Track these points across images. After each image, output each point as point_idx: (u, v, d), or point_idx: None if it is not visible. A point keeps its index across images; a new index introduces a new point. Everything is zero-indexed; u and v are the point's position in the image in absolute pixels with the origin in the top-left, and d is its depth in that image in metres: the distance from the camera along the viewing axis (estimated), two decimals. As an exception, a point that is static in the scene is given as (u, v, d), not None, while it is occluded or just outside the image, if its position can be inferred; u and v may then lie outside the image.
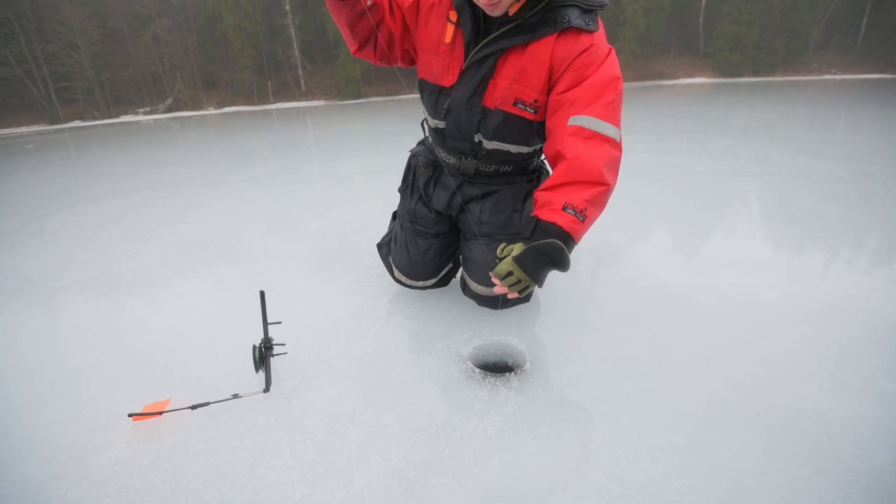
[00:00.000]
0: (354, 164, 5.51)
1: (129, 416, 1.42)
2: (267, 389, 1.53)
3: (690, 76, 25.80)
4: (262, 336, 1.64)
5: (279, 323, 1.67)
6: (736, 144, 5.68)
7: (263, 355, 1.60)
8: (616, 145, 1.47)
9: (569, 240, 1.43)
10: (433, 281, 2.07)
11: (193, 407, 1.45)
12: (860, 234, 2.69)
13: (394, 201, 2.25)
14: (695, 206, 3.35)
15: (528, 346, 1.73)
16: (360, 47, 1.70)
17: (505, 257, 1.48)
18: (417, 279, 2.04)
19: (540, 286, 1.48)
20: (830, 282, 2.14)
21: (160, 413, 1.44)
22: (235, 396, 1.51)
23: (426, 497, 1.15)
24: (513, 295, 1.47)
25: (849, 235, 2.67)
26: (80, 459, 1.30)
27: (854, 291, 2.03)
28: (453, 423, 1.38)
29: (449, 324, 1.88)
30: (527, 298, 1.97)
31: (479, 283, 1.90)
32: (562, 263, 1.41)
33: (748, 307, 1.93)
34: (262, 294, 1.64)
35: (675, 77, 25.76)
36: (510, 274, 1.43)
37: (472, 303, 2.00)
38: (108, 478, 1.25)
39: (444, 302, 2.03)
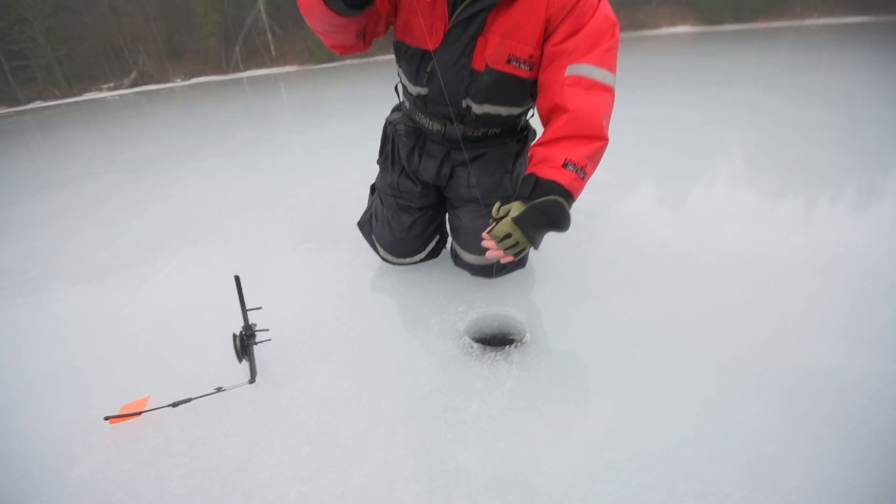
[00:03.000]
0: (332, 133, 5.27)
1: (106, 419, 1.31)
2: (252, 380, 1.44)
3: (673, 24, 25.20)
4: (243, 323, 1.53)
5: (259, 308, 1.56)
6: (724, 93, 5.54)
7: (245, 344, 1.49)
8: (613, 94, 1.37)
9: (569, 198, 1.33)
10: (421, 256, 1.96)
11: (175, 404, 1.35)
12: (856, 179, 2.62)
13: (372, 166, 2.10)
14: (688, 159, 3.25)
15: (527, 316, 1.65)
16: (348, 51, 1.52)
17: (502, 217, 1.37)
18: (404, 256, 1.93)
19: (536, 248, 1.38)
20: (832, 231, 2.08)
21: (139, 413, 1.34)
22: (219, 390, 1.41)
23: (432, 487, 1.08)
24: (507, 259, 1.38)
25: (845, 182, 2.60)
26: (58, 471, 1.21)
27: (856, 239, 1.98)
28: (454, 404, 1.30)
29: (442, 297, 1.78)
30: (522, 263, 1.87)
31: (471, 251, 1.80)
32: (562, 223, 1.31)
33: (753, 262, 1.87)
34: (238, 279, 1.52)
35: (658, 26, 25.16)
36: (508, 236, 1.34)
37: (465, 273, 1.90)
38: (88, 488, 1.15)
39: (436, 274, 1.93)
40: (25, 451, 1.29)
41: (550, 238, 2.03)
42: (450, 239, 2.06)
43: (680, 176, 2.92)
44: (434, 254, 2.01)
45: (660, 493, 1.03)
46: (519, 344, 1.51)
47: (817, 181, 2.64)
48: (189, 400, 1.36)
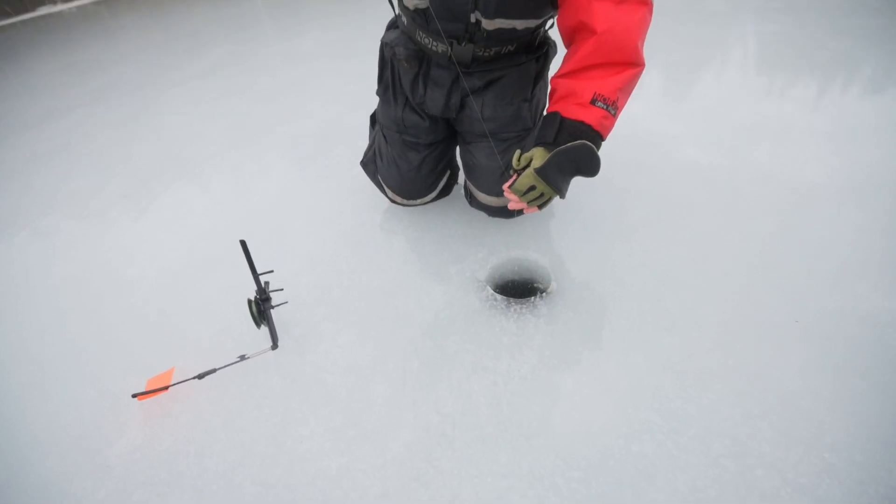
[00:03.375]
0: (315, 41, 4.78)
1: (134, 396, 1.30)
2: (275, 346, 1.41)
3: None
4: (256, 288, 1.47)
5: (271, 272, 1.48)
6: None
7: (262, 309, 1.44)
8: (651, 8, 1.16)
9: (598, 139, 1.19)
10: (432, 195, 1.83)
11: (200, 376, 1.33)
12: (902, 77, 2.39)
13: (367, 84, 1.89)
14: (714, 59, 2.95)
15: (551, 261, 1.58)
16: None
17: (524, 168, 1.25)
18: (413, 197, 1.80)
19: (562, 197, 1.27)
20: (876, 149, 1.92)
21: (166, 388, 1.33)
22: (242, 358, 1.38)
23: (468, 454, 1.10)
24: (531, 210, 1.28)
25: (890, 84, 2.37)
26: (97, 452, 1.22)
27: (901, 155, 1.84)
28: (483, 363, 1.29)
29: (459, 242, 1.70)
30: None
31: (488, 192, 1.67)
32: (591, 169, 1.19)
33: (788, 188, 1.75)
34: (244, 244, 1.42)
35: None
36: (531, 189, 1.22)
37: (482, 214, 1.80)
38: (130, 470, 1.17)
39: (450, 215, 1.82)
40: (57, 431, 1.29)
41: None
42: (462, 175, 1.92)
43: (706, 82, 2.67)
44: (445, 191, 1.89)
45: (696, 455, 1.04)
46: (545, 294, 1.46)
47: (858, 83, 2.41)
48: (214, 371, 1.33)
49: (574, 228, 1.69)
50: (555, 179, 1.21)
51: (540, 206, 1.29)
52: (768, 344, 1.24)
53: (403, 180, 1.76)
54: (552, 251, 1.62)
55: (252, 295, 1.47)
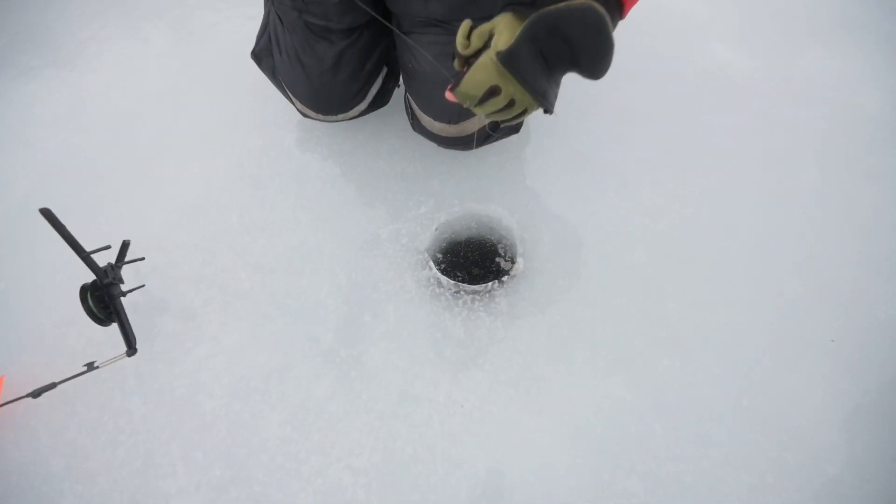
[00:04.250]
0: None
1: (-65, 431, 0.95)
2: (131, 350, 1.02)
3: None
4: (95, 268, 1.02)
5: (107, 248, 1.00)
6: None
7: (105, 300, 1.01)
8: None
9: (615, 11, 0.67)
10: (360, 108, 1.26)
11: (35, 393, 0.97)
12: None
13: None
14: None
15: (521, 222, 1.14)
16: None
17: (480, 52, 0.71)
18: (330, 111, 1.23)
19: (548, 109, 0.75)
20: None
21: (-18, 416, 0.97)
22: (91, 367, 1.00)
23: (386, 535, 0.82)
24: (506, 119, 0.77)
25: None
26: None
27: None
28: (415, 391, 0.95)
29: (396, 185, 1.21)
30: (516, 128, 1.23)
31: (437, 116, 1.14)
32: (597, 56, 0.64)
33: (842, 118, 1.26)
34: (49, 214, 0.92)
35: None
36: (493, 92, 0.71)
37: (429, 142, 1.27)
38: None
39: (387, 141, 1.29)
40: None
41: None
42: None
43: None
44: (381, 100, 1.31)
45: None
46: (507, 278, 1.06)
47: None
48: (54, 385, 0.96)
49: (556, 169, 1.21)
50: (533, 74, 0.68)
51: (505, 126, 0.77)
52: (797, 374, 0.92)
53: (314, 86, 1.17)
54: (523, 205, 1.16)
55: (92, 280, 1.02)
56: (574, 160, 1.21)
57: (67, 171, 1.29)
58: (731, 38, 1.39)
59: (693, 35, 1.40)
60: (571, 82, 1.29)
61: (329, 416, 0.93)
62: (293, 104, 1.28)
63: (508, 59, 0.66)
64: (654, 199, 1.15)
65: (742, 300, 1.01)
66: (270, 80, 1.26)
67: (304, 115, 1.29)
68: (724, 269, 1.05)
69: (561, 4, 0.61)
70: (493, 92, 0.69)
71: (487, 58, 0.67)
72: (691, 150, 1.21)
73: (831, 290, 1.03)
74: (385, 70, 1.27)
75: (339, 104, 1.24)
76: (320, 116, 1.27)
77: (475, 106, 0.72)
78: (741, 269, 1.05)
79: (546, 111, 0.72)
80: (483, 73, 0.69)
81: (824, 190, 1.15)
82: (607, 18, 0.62)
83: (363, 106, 1.27)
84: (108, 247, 1.02)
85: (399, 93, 1.28)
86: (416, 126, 1.24)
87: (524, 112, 0.74)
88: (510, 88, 0.69)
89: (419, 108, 1.17)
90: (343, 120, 1.29)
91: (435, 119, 1.14)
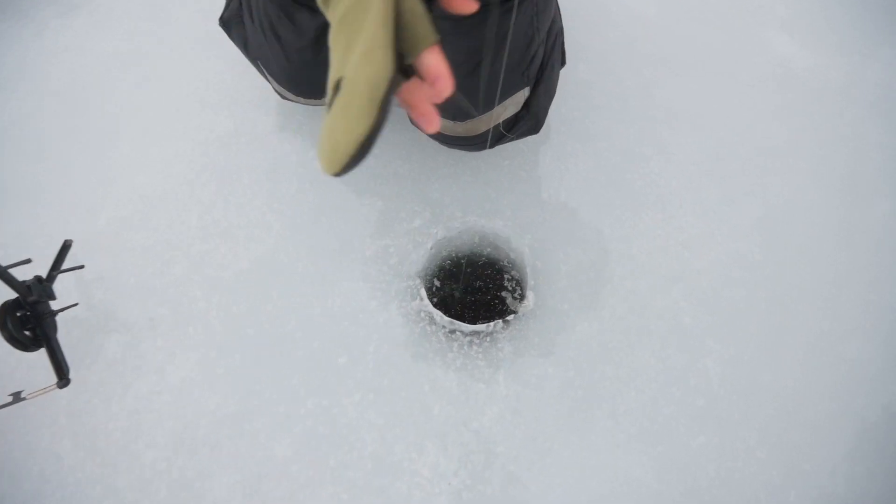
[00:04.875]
0: None
1: None
2: (63, 381, 0.85)
3: None
4: (16, 285, 0.84)
5: (28, 262, 0.82)
6: None
7: (33, 322, 0.84)
8: None
9: None
10: (349, 92, 1.03)
11: (-55, 426, 0.82)
12: None
13: None
14: None
15: (533, 245, 0.94)
16: None
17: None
18: (311, 94, 1.01)
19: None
20: None
21: None
22: (17, 398, 0.84)
23: None
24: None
25: None
26: None
27: None
28: (394, 460, 0.78)
29: (389, 188, 1.01)
30: (535, 127, 1.00)
31: (440, 111, 0.92)
32: None
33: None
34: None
35: None
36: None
37: (429, 139, 1.06)
38: None
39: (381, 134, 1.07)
40: None
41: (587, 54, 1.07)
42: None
43: None
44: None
45: None
46: (513, 317, 0.88)
47: None
48: None
49: (580, 180, 1.00)
50: None
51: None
52: (859, 465, 0.75)
53: (291, 65, 0.95)
54: (538, 224, 0.96)
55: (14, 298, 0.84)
56: (602, 170, 0.99)
57: (11, 146, 1.09)
58: (794, 28, 1.13)
59: (749, 21, 1.14)
60: (601, 77, 1.06)
61: (289, 482, 0.77)
62: (269, 83, 1.06)
63: None
64: (697, 225, 0.94)
65: (799, 364, 0.83)
66: (243, 52, 1.03)
67: (283, 97, 1.07)
68: (780, 323, 0.86)
69: None
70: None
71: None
72: (743, 165, 0.99)
73: (909, 357, 0.84)
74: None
75: (320, 86, 1.01)
76: (300, 99, 1.05)
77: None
78: (801, 323, 0.86)
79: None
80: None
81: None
82: None
83: (352, 89, 1.04)
84: (28, 260, 0.84)
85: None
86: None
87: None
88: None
89: (418, 97, 0.95)
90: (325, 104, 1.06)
91: (438, 114, 0.92)
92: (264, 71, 1.02)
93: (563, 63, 0.95)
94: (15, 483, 0.81)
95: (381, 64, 0.37)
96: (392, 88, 0.36)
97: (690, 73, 1.06)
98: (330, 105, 0.40)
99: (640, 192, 0.97)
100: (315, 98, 1.02)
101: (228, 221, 0.99)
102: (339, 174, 0.38)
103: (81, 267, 0.96)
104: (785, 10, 1.13)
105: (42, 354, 0.82)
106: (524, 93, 0.89)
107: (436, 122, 0.46)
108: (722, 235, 0.93)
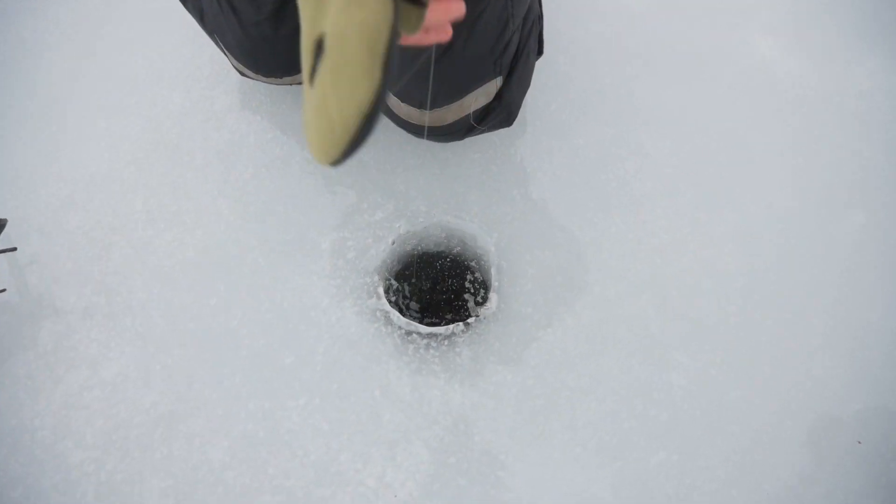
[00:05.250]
0: None
1: None
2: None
3: None
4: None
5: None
6: None
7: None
8: None
9: None
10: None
11: None
12: None
13: None
14: None
15: (499, 244, 0.90)
16: None
17: None
18: (271, 73, 0.95)
19: None
20: None
21: None
22: None
23: None
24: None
25: None
26: None
27: None
28: (338, 469, 0.74)
29: (351, 176, 0.95)
30: (508, 119, 0.95)
31: (405, 97, 0.87)
32: None
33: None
34: None
35: None
36: None
37: (396, 128, 1.00)
38: None
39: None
40: None
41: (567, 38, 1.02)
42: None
43: None
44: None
45: None
46: (474, 320, 0.83)
47: None
48: None
49: (552, 177, 0.95)
50: None
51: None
52: (819, 486, 0.72)
53: (249, 39, 0.88)
54: (506, 223, 0.91)
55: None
56: (576, 169, 0.94)
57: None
58: (778, 31, 1.08)
59: (735, 22, 1.09)
60: (581, 70, 1.01)
61: (224, 489, 0.72)
62: (227, 58, 0.99)
63: None
64: (670, 230, 0.90)
65: (766, 382, 0.80)
66: (199, 24, 0.96)
67: (242, 74, 1.00)
68: (749, 337, 0.82)
69: None
70: None
71: None
72: (721, 170, 0.95)
73: (876, 377, 0.81)
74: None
75: (283, 65, 0.95)
76: (260, 77, 0.98)
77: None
78: (769, 338, 0.83)
79: None
80: None
81: (870, 243, 0.90)
82: None
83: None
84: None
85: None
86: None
87: None
88: None
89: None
90: (290, 84, 1.00)
91: (403, 101, 0.87)
92: (221, 45, 0.95)
93: (539, 53, 0.89)
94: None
95: (376, 3, 0.29)
96: (396, 33, 0.28)
97: (673, 72, 1.01)
98: (312, 75, 0.32)
99: (613, 193, 0.92)
100: (275, 76, 0.95)
101: (176, 206, 0.92)
102: (338, 161, 0.30)
103: (14, 249, 0.89)
104: (771, 13, 1.09)
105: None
106: (496, 83, 0.83)
107: (449, 30, 0.38)
108: (695, 243, 0.89)
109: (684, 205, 0.92)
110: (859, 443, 0.77)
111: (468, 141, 0.92)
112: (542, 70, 0.91)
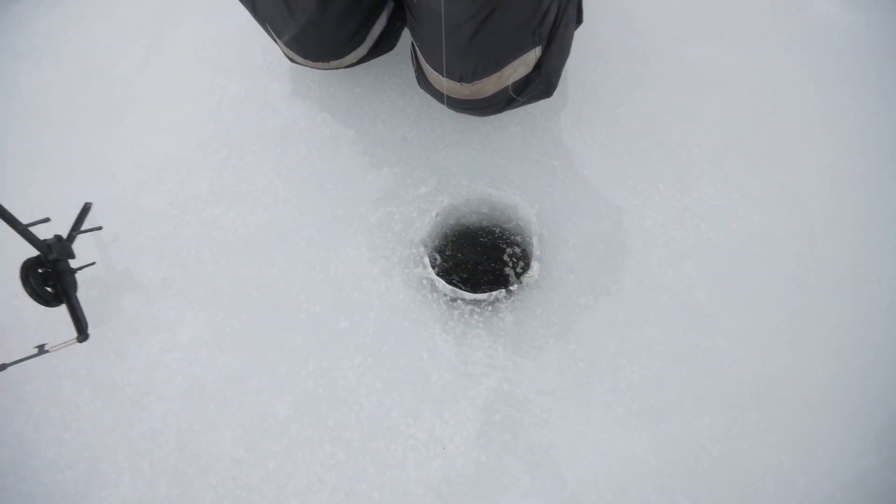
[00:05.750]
0: None
1: None
2: (83, 335, 0.90)
3: None
4: (37, 243, 0.87)
5: (46, 220, 0.85)
6: None
7: (54, 278, 0.88)
8: None
9: None
10: (357, 55, 1.01)
11: (-21, 373, 0.88)
12: None
13: None
14: None
15: (542, 213, 0.91)
16: None
17: None
18: (319, 57, 0.99)
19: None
20: None
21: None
22: (41, 351, 0.89)
23: None
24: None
25: None
26: None
27: None
28: (391, 424, 0.79)
29: (395, 154, 0.99)
30: (548, 90, 0.95)
31: (446, 72, 0.90)
32: None
33: None
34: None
35: None
36: None
37: (437, 102, 1.03)
38: None
39: (388, 97, 1.05)
40: None
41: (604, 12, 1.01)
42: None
43: None
44: (384, 44, 1.05)
45: None
46: (517, 286, 0.86)
47: None
48: (4, 367, 0.87)
49: (594, 147, 0.95)
50: None
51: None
52: (873, 457, 0.70)
53: (298, 25, 0.93)
54: (547, 193, 0.93)
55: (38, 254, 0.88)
56: (619, 138, 0.94)
57: (35, 113, 1.12)
58: None
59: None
60: (623, 37, 1.00)
61: (289, 440, 0.79)
62: (278, 46, 1.05)
63: None
64: (717, 196, 0.89)
65: (818, 350, 0.78)
66: (251, 14, 1.02)
67: (292, 61, 1.06)
68: (801, 305, 0.80)
69: None
70: None
71: None
72: (772, 134, 0.92)
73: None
74: (391, 5, 1.01)
75: (329, 49, 1.00)
76: (309, 63, 1.04)
77: None
78: (823, 306, 0.80)
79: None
80: None
81: None
82: None
83: (362, 52, 1.02)
84: (46, 219, 0.87)
85: (408, 34, 1.01)
86: (422, 81, 0.99)
87: None
88: None
89: (425, 59, 0.92)
90: (337, 68, 1.05)
91: (443, 75, 0.89)
92: (272, 33, 1.00)
93: (579, 21, 0.89)
94: (39, 428, 0.86)
95: None
96: None
97: (721, 31, 0.98)
98: None
99: (657, 161, 0.91)
100: (322, 61, 1.00)
101: (238, 187, 1.00)
102: None
103: (99, 228, 1.00)
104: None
105: (63, 311, 0.87)
106: (535, 52, 0.84)
107: None
108: (744, 209, 0.87)
109: (733, 171, 0.90)
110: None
111: (508, 114, 0.94)
112: (582, 39, 0.90)
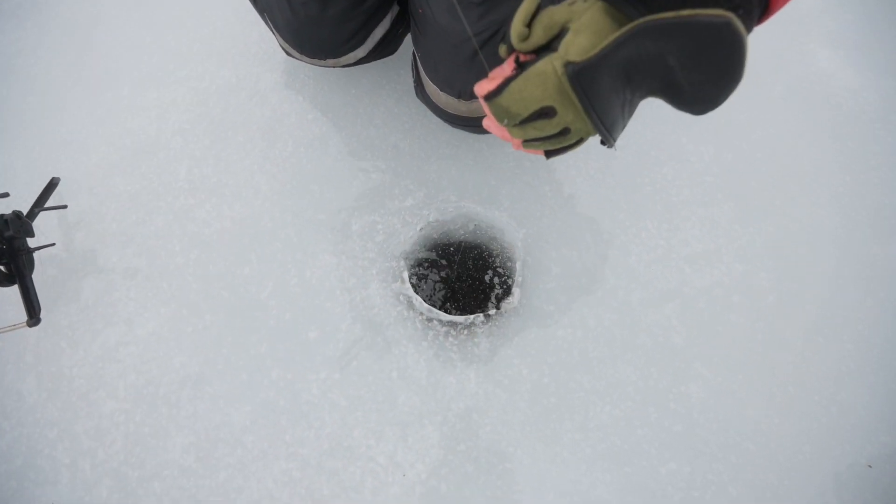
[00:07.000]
0: None
1: None
2: (34, 319, 0.84)
3: None
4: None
5: (5, 195, 0.80)
6: None
7: (12, 254, 0.83)
8: None
9: (749, 17, 0.42)
10: (357, 54, 0.98)
11: (-87, 350, 0.82)
12: None
13: None
14: None
15: (527, 238, 0.90)
16: None
17: (537, 51, 0.44)
18: (316, 55, 0.96)
19: (610, 143, 0.48)
20: None
21: None
22: None
23: None
24: (535, 152, 0.54)
25: None
26: None
27: None
28: (351, 444, 0.76)
29: (385, 161, 0.96)
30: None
31: (445, 83, 0.88)
32: (714, 91, 0.40)
33: None
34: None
35: None
36: (544, 115, 0.46)
37: (433, 115, 1.00)
38: None
39: (382, 104, 1.02)
40: None
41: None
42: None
43: None
44: (385, 48, 1.02)
45: None
46: (495, 312, 0.84)
47: None
48: None
49: (586, 175, 0.94)
50: (608, 103, 0.44)
51: (550, 153, 0.53)
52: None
53: (297, 20, 0.90)
54: (535, 218, 0.91)
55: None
56: (612, 170, 0.93)
57: (13, 77, 1.06)
58: (838, 44, 1.03)
59: (794, 30, 1.04)
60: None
61: (243, 451, 0.75)
62: (276, 38, 1.01)
63: (581, 78, 0.41)
64: (703, 240, 0.88)
65: (787, 404, 0.78)
66: (251, 3, 0.98)
67: (288, 54, 1.02)
68: (776, 358, 0.81)
69: (685, 13, 0.36)
70: (544, 114, 0.45)
71: (550, 66, 0.42)
72: (763, 182, 0.92)
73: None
74: (396, 9, 0.98)
75: (327, 47, 0.96)
76: (304, 58, 1.00)
77: (514, 125, 0.47)
78: (796, 361, 0.81)
79: (608, 143, 0.48)
80: (538, 86, 0.43)
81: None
82: (746, 40, 0.36)
83: (361, 53, 0.99)
84: (5, 194, 0.82)
85: (409, 42, 0.99)
86: (420, 92, 0.97)
87: (577, 143, 0.50)
88: (569, 115, 0.45)
89: (425, 70, 0.90)
90: (335, 67, 1.02)
91: (442, 89, 0.87)
92: (270, 24, 0.97)
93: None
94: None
95: None
96: None
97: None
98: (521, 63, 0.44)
99: (648, 198, 0.91)
100: (319, 58, 0.97)
101: (217, 178, 0.96)
102: None
103: (65, 207, 0.94)
104: (833, 23, 1.04)
105: (15, 291, 0.81)
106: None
107: None
108: (728, 255, 0.87)
109: (721, 215, 0.90)
110: (869, 466, 0.75)
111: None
112: (586, 68, 0.89)
